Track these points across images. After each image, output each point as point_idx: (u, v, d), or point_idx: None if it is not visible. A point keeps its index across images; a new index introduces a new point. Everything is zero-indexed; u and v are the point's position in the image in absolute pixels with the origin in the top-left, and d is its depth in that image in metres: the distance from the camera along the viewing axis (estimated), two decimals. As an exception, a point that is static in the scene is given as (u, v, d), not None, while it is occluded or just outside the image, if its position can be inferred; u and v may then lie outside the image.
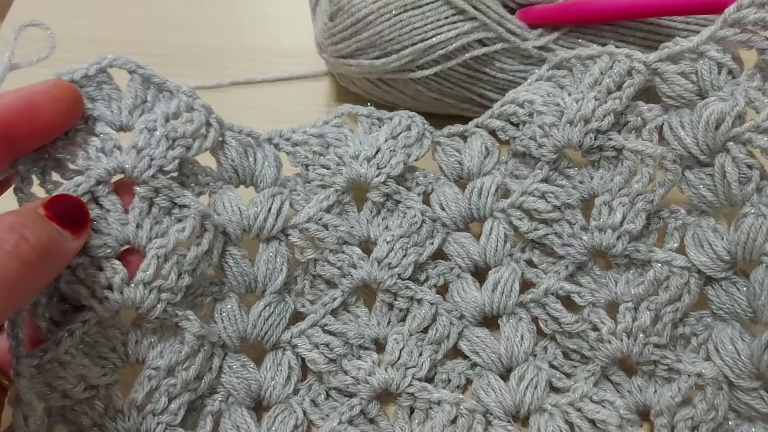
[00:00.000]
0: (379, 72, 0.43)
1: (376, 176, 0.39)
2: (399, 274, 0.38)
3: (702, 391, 0.35)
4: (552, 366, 0.39)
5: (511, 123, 0.39)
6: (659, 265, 0.37)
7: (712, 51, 0.35)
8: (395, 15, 0.41)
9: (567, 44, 0.42)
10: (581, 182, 0.39)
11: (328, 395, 0.38)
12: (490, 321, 0.40)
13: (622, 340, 0.36)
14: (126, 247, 0.35)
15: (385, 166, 0.39)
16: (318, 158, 0.39)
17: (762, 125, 0.34)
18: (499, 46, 0.42)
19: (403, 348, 0.38)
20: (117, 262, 0.34)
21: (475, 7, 0.41)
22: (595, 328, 0.37)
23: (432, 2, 0.41)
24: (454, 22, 0.41)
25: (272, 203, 0.38)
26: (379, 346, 0.39)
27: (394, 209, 0.40)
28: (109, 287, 0.34)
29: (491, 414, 0.37)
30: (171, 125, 0.36)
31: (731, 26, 0.35)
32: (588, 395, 0.37)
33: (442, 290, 0.40)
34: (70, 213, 0.31)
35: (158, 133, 0.35)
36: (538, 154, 0.38)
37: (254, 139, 0.39)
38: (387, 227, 0.39)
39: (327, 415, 0.38)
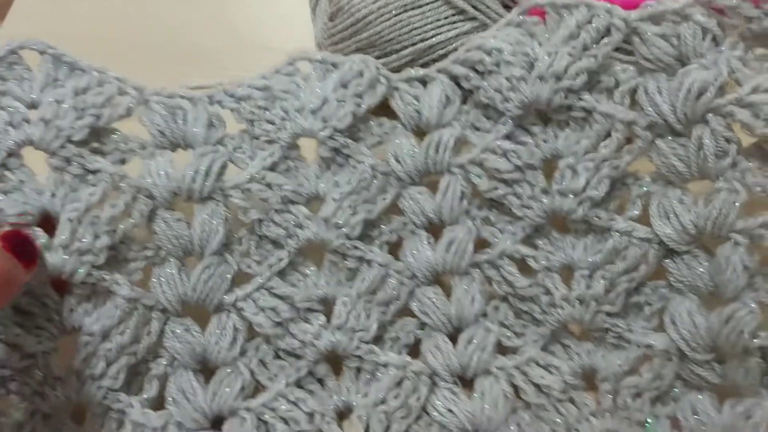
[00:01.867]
0: (378, 71, 0.42)
1: (322, 130, 0.37)
2: (347, 234, 0.37)
3: (650, 361, 0.36)
4: (502, 325, 0.39)
5: (476, 71, 0.37)
6: (618, 234, 0.36)
7: (698, 14, 0.34)
8: (395, 15, 0.41)
9: None
10: (545, 141, 0.37)
11: (276, 355, 0.38)
12: (442, 279, 0.39)
13: (574, 307, 0.36)
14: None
15: (331, 119, 0.37)
16: (263, 113, 0.37)
17: (745, 99, 0.33)
18: (499, 45, 0.41)
19: (350, 311, 0.38)
20: (37, 228, 0.35)
21: (475, 7, 0.41)
22: (548, 293, 0.37)
23: (432, 2, 0.41)
24: (454, 22, 0.41)
25: (200, 163, 0.36)
26: (329, 305, 0.39)
27: (344, 164, 0.38)
28: None
29: (438, 375, 0.38)
30: (79, 97, 0.36)
31: None
32: (535, 359, 0.37)
33: (395, 247, 0.39)
34: (24, 247, 0.33)
35: (65, 104, 0.36)
36: (503, 108, 0.36)
37: (189, 100, 0.37)
38: (336, 183, 0.38)
39: (275, 375, 0.38)
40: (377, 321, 0.38)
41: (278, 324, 0.37)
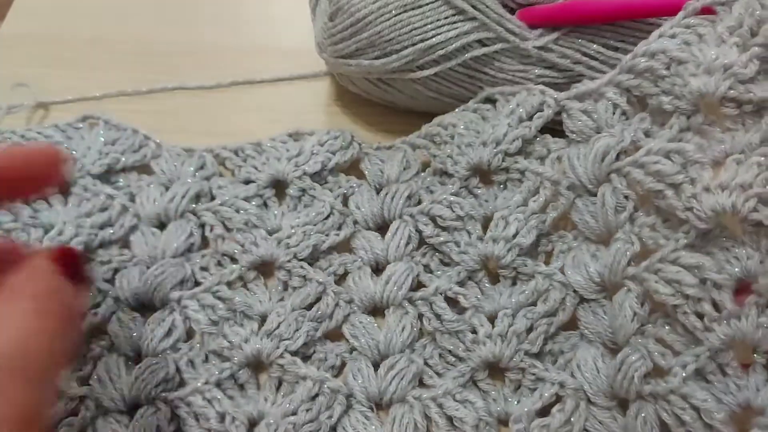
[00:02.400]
0: (378, 72, 0.44)
1: (293, 171, 0.44)
2: (295, 254, 0.42)
3: (562, 402, 0.37)
4: (426, 364, 0.40)
5: (434, 142, 0.44)
6: (541, 276, 0.39)
7: (610, 92, 0.39)
8: (395, 15, 0.42)
9: (567, 44, 0.42)
10: (486, 200, 0.42)
11: (206, 358, 0.40)
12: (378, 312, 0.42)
13: (496, 343, 0.38)
14: None
15: (304, 164, 0.44)
16: (249, 161, 0.46)
17: (639, 160, 0.37)
18: (498, 46, 0.42)
19: (283, 320, 0.40)
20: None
21: (474, 7, 0.41)
22: (474, 331, 0.39)
23: (432, 2, 0.41)
24: (454, 22, 0.42)
25: (179, 191, 0.44)
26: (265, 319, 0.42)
27: (310, 205, 0.44)
28: None
29: (354, 397, 0.39)
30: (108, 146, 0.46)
31: (627, 72, 0.38)
32: (452, 393, 0.38)
33: (341, 279, 0.43)
34: (77, 268, 0.30)
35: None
36: (453, 171, 0.43)
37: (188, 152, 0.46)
38: (297, 217, 0.44)
39: (200, 374, 0.40)
40: (306, 335, 0.40)
41: (214, 323, 0.41)
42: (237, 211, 0.44)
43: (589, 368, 0.37)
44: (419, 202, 0.43)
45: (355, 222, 0.44)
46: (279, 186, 0.45)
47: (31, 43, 0.45)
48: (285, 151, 0.45)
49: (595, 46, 0.41)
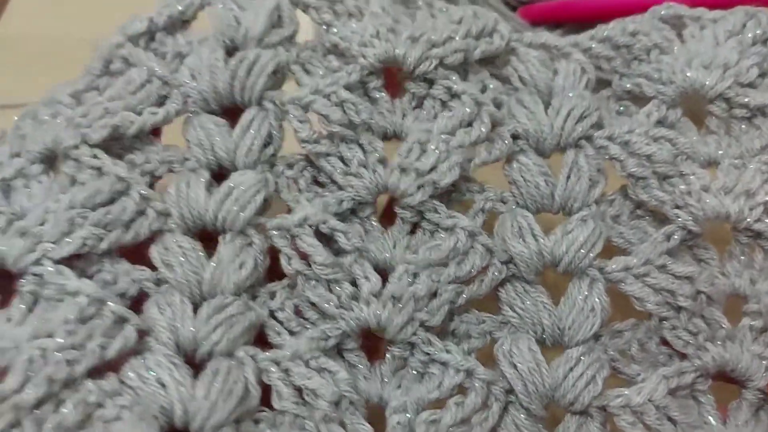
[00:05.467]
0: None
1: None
2: (84, 135, 0.29)
3: (464, 395, 0.27)
4: (273, 316, 0.28)
5: (333, 10, 0.32)
6: (464, 233, 0.29)
7: (578, 55, 0.33)
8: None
9: None
10: (389, 111, 0.31)
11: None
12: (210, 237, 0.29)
13: (385, 306, 0.27)
14: None
15: None
16: None
17: (621, 137, 0.31)
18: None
19: (50, 218, 0.27)
20: None
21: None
22: (354, 283, 0.28)
23: (432, 0, 0.40)
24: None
25: None
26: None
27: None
28: None
29: (155, 338, 0.26)
30: None
31: (601, 41, 0.33)
32: (303, 356, 0.27)
33: (162, 182, 0.30)
34: None
35: None
36: (356, 53, 0.30)
37: None
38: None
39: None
40: (82, 241, 0.27)
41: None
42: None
43: (525, 360, 0.27)
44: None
45: (187, 98, 0.30)
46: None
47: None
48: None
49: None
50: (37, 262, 0.26)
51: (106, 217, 0.28)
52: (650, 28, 0.33)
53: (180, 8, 0.32)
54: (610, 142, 0.31)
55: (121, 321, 0.26)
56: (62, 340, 0.25)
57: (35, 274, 0.26)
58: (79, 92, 0.31)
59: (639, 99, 0.33)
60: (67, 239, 0.27)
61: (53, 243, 0.27)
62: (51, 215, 0.27)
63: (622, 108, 0.33)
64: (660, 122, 0.32)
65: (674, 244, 0.29)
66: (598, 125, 0.31)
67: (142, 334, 0.26)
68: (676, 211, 0.30)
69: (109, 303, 0.26)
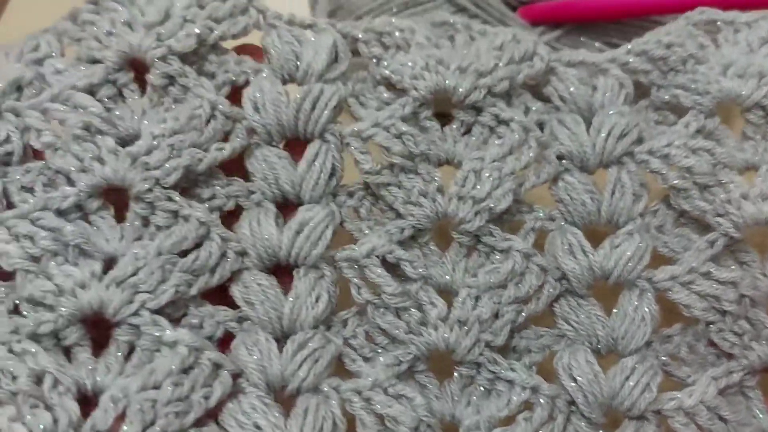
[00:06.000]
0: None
1: (153, 48, 0.31)
2: (158, 179, 0.29)
3: (531, 410, 0.29)
4: (347, 344, 0.30)
5: (382, 43, 0.33)
6: (519, 255, 0.31)
7: (616, 71, 0.34)
8: (396, 13, 0.40)
9: (569, 42, 0.41)
10: (440, 140, 0.33)
11: (15, 308, 0.28)
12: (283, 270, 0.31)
13: (452, 329, 0.29)
14: None
15: (168, 37, 0.31)
16: (91, 28, 0.32)
17: (661, 150, 0.32)
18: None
19: (143, 266, 0.28)
20: None
21: (476, 5, 0.41)
22: (420, 309, 0.30)
23: (433, 0, 0.40)
24: (456, 20, 0.39)
25: None
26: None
27: (182, 99, 0.31)
28: None
29: (246, 379, 0.28)
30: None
31: (638, 55, 0.34)
32: (382, 384, 0.29)
33: (230, 216, 0.31)
34: None
35: None
36: (410, 86, 0.32)
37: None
38: (164, 120, 0.30)
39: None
40: (175, 289, 0.28)
41: (33, 258, 0.28)
42: (75, 107, 0.30)
43: (584, 372, 0.29)
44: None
45: (251, 131, 0.31)
46: (140, 69, 0.32)
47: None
48: (139, 14, 0.31)
49: (597, 44, 0.40)
50: (136, 313, 0.28)
51: (195, 263, 0.29)
52: (685, 38, 0.34)
53: (235, 30, 0.32)
54: (650, 156, 0.32)
55: (217, 367, 0.28)
56: (170, 393, 0.26)
57: (132, 324, 0.28)
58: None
59: (677, 108, 0.34)
60: (163, 287, 0.28)
61: (150, 293, 0.28)
62: (141, 262, 0.28)
63: (660, 118, 0.34)
64: (698, 131, 0.33)
65: (717, 251, 0.31)
66: (639, 140, 0.33)
67: (234, 376, 0.28)
68: (718, 219, 0.31)
69: (206, 351, 0.28)
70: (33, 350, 0.26)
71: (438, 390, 0.30)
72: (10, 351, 0.26)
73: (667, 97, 0.34)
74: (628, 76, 0.34)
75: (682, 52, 0.34)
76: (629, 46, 0.34)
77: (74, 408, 0.26)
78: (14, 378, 0.26)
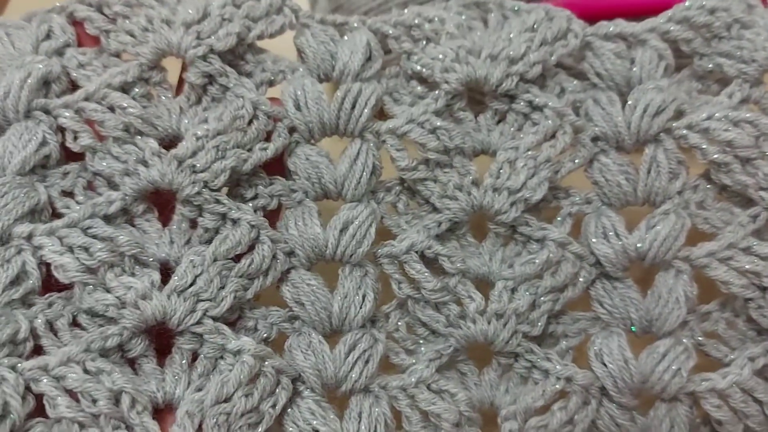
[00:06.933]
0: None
1: (194, 47, 0.31)
2: (206, 182, 0.30)
3: (565, 399, 0.30)
4: (391, 338, 0.32)
5: (411, 37, 0.33)
6: (554, 244, 0.31)
7: (654, 41, 0.33)
8: None
9: None
10: (475, 130, 0.33)
11: (74, 320, 0.29)
12: (328, 268, 0.32)
13: (489, 323, 0.31)
14: None
15: (208, 36, 0.31)
16: (124, 22, 0.32)
17: (700, 124, 0.31)
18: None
19: (201, 274, 0.29)
20: None
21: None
22: (459, 303, 0.31)
23: (433, -2, 0.39)
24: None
25: None
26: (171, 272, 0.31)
27: (220, 98, 0.32)
28: None
29: (304, 383, 0.30)
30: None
31: (679, 23, 0.33)
32: (426, 381, 0.30)
33: (273, 216, 0.32)
34: None
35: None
36: (440, 79, 0.32)
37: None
38: (204, 120, 0.31)
39: (66, 341, 0.29)
40: (234, 294, 0.30)
41: (90, 270, 0.29)
42: (111, 108, 0.30)
43: (615, 359, 0.30)
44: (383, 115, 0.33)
45: (292, 130, 0.32)
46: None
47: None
48: (181, 12, 0.31)
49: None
50: (199, 322, 0.29)
51: (250, 267, 0.30)
52: (731, 1, 0.32)
53: (273, 30, 0.32)
54: (689, 131, 0.32)
55: (278, 373, 0.29)
56: (242, 404, 0.28)
57: (194, 333, 0.29)
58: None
59: (722, 77, 0.33)
60: (222, 293, 0.30)
61: (211, 300, 0.29)
62: (199, 269, 0.29)
63: (704, 87, 0.33)
64: (743, 101, 0.32)
65: (760, 225, 0.31)
66: (678, 114, 0.32)
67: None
68: (761, 193, 0.31)
69: (269, 359, 0.29)
70: (107, 369, 0.28)
71: (477, 378, 0.32)
72: (85, 371, 0.28)
73: (710, 66, 0.33)
74: (668, 45, 0.33)
75: (726, 17, 0.32)
76: (670, 13, 0.33)
77: (155, 428, 0.28)
78: (94, 401, 0.27)
